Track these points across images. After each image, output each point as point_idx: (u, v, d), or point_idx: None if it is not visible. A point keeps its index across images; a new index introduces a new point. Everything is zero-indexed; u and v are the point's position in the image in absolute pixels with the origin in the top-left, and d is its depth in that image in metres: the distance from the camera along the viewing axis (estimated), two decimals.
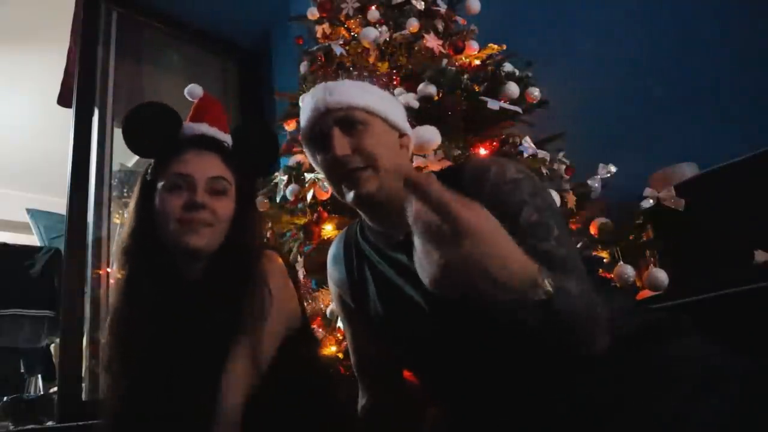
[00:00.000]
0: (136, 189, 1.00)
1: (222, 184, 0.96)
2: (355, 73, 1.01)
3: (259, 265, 0.97)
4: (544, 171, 1.52)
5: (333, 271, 1.09)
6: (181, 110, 1.03)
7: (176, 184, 0.94)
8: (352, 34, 1.89)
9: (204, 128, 1.01)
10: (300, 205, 1.66)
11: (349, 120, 0.90)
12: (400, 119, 0.97)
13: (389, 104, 0.95)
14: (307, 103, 0.94)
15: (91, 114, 2.63)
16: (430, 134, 1.13)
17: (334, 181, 0.92)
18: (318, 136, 0.93)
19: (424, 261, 0.56)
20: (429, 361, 0.93)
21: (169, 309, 0.93)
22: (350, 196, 0.89)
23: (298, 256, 1.60)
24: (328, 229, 1.59)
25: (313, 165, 1.00)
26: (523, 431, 0.76)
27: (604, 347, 0.68)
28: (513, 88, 1.64)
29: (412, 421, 1.03)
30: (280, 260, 1.03)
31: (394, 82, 1.64)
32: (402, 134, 0.96)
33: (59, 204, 2.61)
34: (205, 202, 0.93)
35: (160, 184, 0.95)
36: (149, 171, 0.99)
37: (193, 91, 1.08)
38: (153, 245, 0.95)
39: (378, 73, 1.11)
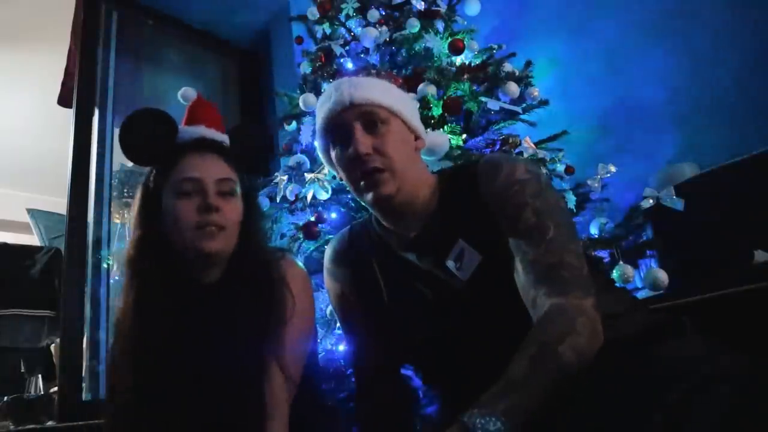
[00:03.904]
0: (138, 198, 0.97)
1: (230, 185, 0.94)
2: (373, 71, 1.02)
3: (280, 269, 0.96)
4: (544, 171, 1.52)
5: (335, 269, 1.08)
6: (181, 110, 1.03)
7: (185, 190, 0.91)
8: (353, 33, 1.89)
9: (202, 130, 0.98)
10: (300, 205, 1.66)
11: (372, 118, 0.89)
12: (417, 122, 0.97)
13: (409, 106, 0.96)
14: (328, 95, 0.93)
15: (91, 114, 2.62)
16: (442, 140, 1.20)
17: (352, 178, 0.91)
18: (336, 129, 0.92)
19: None
20: (435, 357, 0.93)
21: (186, 315, 0.91)
22: (369, 197, 0.89)
23: (298, 256, 1.60)
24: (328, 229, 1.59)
25: (323, 159, 0.99)
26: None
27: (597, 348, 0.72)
28: (513, 88, 1.64)
29: (409, 420, 1.03)
30: (301, 267, 1.03)
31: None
32: (417, 137, 0.97)
33: (59, 204, 2.60)
34: (218, 205, 0.91)
35: (167, 191, 0.93)
36: (151, 179, 0.96)
37: (187, 94, 1.09)
38: (161, 253, 0.92)
39: (388, 71, 1.11)
